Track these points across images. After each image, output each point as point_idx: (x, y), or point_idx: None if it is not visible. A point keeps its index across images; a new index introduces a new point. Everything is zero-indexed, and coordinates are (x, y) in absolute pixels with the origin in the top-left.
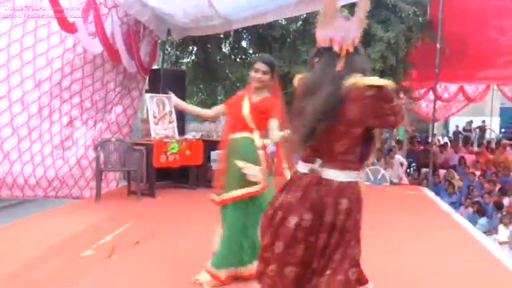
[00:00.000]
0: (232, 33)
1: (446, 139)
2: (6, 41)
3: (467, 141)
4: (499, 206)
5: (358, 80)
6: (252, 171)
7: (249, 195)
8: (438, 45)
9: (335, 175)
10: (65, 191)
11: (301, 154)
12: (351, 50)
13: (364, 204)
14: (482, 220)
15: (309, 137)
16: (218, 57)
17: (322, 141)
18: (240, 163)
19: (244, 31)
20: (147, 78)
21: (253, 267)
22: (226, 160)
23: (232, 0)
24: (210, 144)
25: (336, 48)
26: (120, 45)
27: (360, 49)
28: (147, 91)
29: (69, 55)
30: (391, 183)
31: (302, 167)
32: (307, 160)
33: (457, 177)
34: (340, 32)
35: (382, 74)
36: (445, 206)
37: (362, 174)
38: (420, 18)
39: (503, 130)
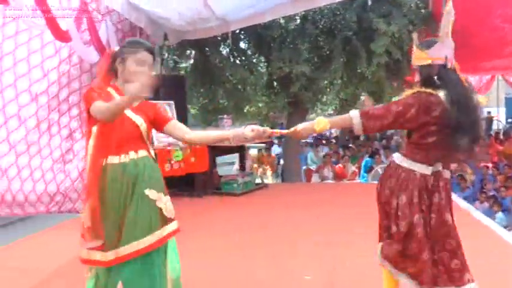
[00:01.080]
0: (230, 34)
1: None
2: None
3: None
4: None
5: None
6: (167, 203)
7: (169, 237)
8: None
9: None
10: (68, 205)
11: (420, 157)
12: (458, 67)
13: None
14: (500, 215)
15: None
16: (217, 60)
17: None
18: (151, 193)
19: (242, 32)
20: None
21: None
22: (119, 195)
23: (229, 0)
24: (215, 150)
25: (449, 65)
26: None
27: None
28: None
29: (65, 66)
30: None
31: (424, 168)
32: (430, 163)
33: (469, 171)
34: (450, 51)
35: (387, 69)
36: (462, 203)
37: None
38: (423, 11)
39: (509, 120)
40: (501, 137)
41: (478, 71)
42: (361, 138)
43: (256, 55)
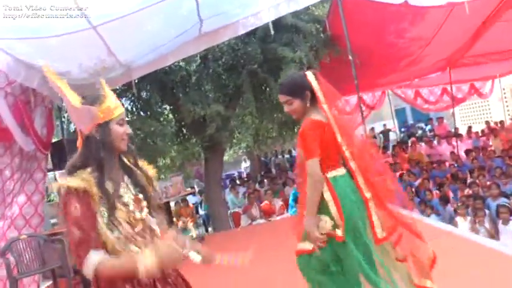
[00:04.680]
0: (134, 84)
1: None
2: None
3: (377, 147)
4: (446, 200)
5: None
6: None
7: None
8: (350, 57)
9: None
10: None
11: None
12: None
13: None
14: (433, 216)
15: None
16: None
17: None
18: None
19: (145, 81)
20: (49, 154)
21: None
22: None
23: (133, 44)
24: None
25: None
26: (9, 121)
27: None
28: (50, 170)
29: None
30: None
31: None
32: None
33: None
34: None
35: None
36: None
37: None
38: (322, 35)
39: (403, 130)
40: (404, 145)
41: (373, 88)
42: (273, 171)
43: (160, 103)
